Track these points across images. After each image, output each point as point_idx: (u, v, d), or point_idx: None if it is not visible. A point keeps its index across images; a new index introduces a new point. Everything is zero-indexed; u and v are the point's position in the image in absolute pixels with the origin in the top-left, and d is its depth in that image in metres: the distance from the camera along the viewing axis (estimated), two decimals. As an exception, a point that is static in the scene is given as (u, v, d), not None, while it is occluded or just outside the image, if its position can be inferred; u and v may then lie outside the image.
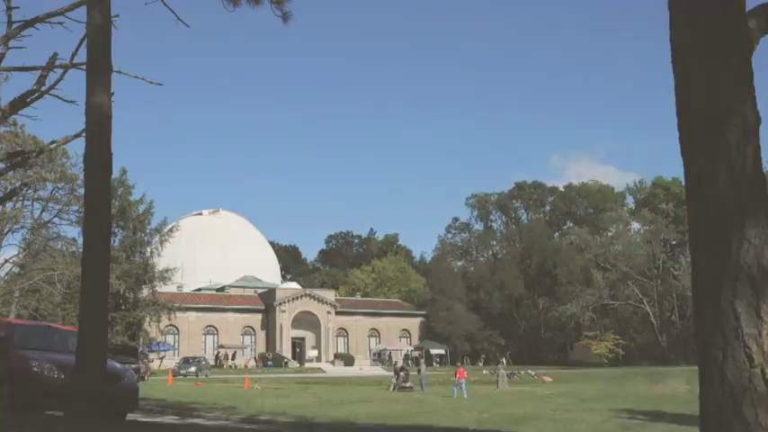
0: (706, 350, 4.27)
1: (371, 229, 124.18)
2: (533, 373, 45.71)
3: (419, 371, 38.42)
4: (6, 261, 52.59)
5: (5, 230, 50.15)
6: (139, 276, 54.33)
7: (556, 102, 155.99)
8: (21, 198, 48.84)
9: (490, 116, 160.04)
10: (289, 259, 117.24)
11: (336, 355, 72.67)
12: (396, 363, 71.10)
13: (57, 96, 13.43)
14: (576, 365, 69.93)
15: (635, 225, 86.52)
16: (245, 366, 63.29)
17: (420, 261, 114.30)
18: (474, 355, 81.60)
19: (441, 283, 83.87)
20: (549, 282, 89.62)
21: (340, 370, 63.19)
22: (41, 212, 52.59)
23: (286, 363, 65.83)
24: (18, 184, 37.75)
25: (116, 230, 53.86)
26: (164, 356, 62.54)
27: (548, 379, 44.00)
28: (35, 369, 11.25)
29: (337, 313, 75.86)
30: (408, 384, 35.02)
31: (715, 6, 4.43)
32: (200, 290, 77.03)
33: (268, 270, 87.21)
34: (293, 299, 73.65)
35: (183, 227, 71.48)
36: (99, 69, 9.86)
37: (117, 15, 10.68)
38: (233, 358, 67.81)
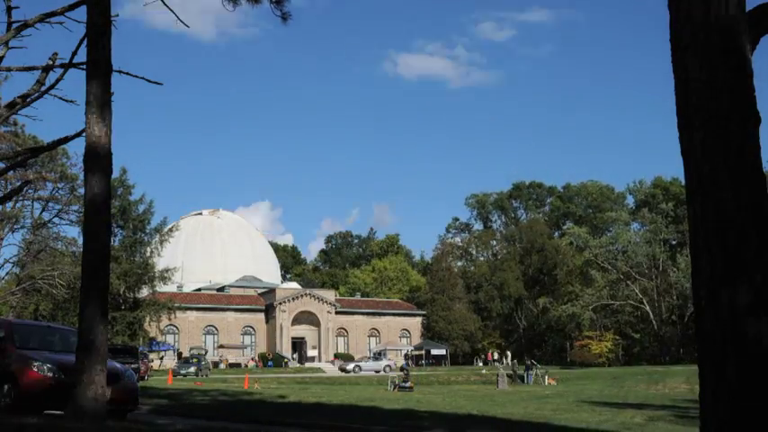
0: (706, 350, 4.28)
1: (371, 229, 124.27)
2: (536, 373, 45.34)
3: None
4: (6, 261, 52.67)
5: (5, 230, 50.18)
6: (139, 276, 54.32)
7: (555, 100, 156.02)
8: (21, 198, 48.88)
9: (490, 114, 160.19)
10: (289, 259, 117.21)
11: (336, 355, 72.65)
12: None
13: (57, 96, 13.44)
14: (576, 365, 69.92)
15: (635, 225, 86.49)
16: (246, 366, 63.27)
17: (420, 261, 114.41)
18: (474, 354, 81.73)
19: (441, 283, 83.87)
20: (549, 281, 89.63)
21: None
22: (41, 212, 52.67)
23: (286, 363, 65.80)
24: (18, 184, 37.76)
25: (116, 230, 53.90)
26: (163, 356, 62.57)
27: (552, 382, 43.77)
28: (35, 369, 11.25)
29: (337, 313, 75.86)
30: (408, 384, 34.97)
31: (715, 6, 4.43)
32: (200, 290, 77.03)
33: (268, 270, 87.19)
34: (293, 298, 73.65)
35: (182, 227, 71.51)
36: (99, 69, 9.87)
37: (117, 15, 10.69)
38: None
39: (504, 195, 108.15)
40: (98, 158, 9.71)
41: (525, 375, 45.08)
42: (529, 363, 49.36)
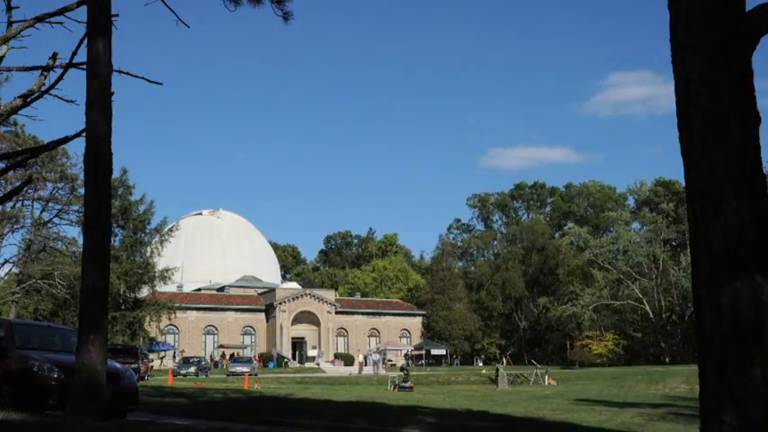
0: (706, 350, 4.28)
1: (371, 229, 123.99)
2: (537, 372, 45.05)
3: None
4: (6, 261, 52.66)
5: (5, 230, 50.19)
6: (140, 276, 54.34)
7: (555, 100, 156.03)
8: (21, 198, 48.90)
9: (489, 114, 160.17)
10: (289, 259, 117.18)
11: (336, 355, 72.67)
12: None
13: (57, 96, 13.42)
14: (576, 365, 69.94)
15: (636, 225, 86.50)
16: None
17: (420, 261, 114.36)
18: (473, 354, 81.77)
19: (441, 283, 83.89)
20: (550, 281, 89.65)
21: (340, 369, 63.18)
22: (41, 212, 52.68)
23: (286, 362, 65.83)
24: (19, 183, 37.77)
25: (116, 230, 53.93)
26: (164, 356, 62.56)
27: (552, 382, 43.69)
28: (35, 369, 11.24)
29: (337, 313, 75.89)
30: (408, 384, 34.95)
31: (715, 6, 4.43)
32: (200, 290, 77.05)
33: (268, 270, 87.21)
34: (293, 298, 73.67)
35: (182, 227, 71.50)
36: (99, 68, 9.87)
37: (117, 15, 10.69)
38: (233, 359, 67.49)
39: (505, 195, 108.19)
40: (98, 158, 9.71)
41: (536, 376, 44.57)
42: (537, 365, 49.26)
